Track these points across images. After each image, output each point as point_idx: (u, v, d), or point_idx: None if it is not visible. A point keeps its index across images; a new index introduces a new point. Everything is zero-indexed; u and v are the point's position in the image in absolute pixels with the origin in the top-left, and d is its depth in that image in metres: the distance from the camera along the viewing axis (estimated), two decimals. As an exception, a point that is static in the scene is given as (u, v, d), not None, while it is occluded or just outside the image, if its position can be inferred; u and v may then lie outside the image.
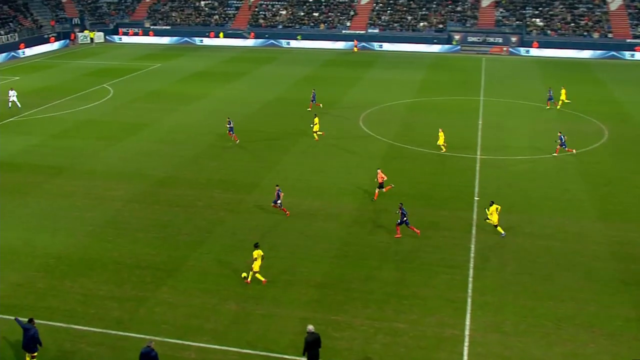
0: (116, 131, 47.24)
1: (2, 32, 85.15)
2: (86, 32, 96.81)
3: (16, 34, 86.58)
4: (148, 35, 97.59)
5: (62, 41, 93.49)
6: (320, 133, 45.37)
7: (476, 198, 34.65)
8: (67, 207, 33.31)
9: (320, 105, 52.68)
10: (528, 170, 39.27)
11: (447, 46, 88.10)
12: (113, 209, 33.01)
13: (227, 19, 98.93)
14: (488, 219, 30.33)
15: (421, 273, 26.84)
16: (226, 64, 78.13)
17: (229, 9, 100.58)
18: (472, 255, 28.39)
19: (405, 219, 29.64)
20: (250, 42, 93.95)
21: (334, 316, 23.78)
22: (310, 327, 20.63)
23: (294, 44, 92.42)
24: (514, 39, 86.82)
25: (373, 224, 31.46)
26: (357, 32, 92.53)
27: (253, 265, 25.69)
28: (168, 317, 23.57)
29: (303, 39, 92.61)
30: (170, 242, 29.29)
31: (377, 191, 34.30)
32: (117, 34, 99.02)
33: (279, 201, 32.12)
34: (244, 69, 73.76)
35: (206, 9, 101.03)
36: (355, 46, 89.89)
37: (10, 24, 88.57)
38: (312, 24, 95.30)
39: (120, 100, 57.79)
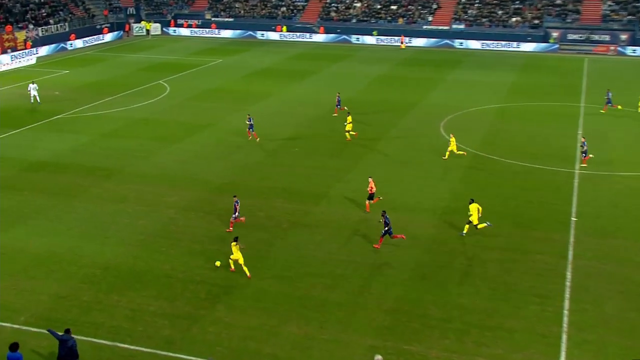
0: (172, 132, 48.52)
1: (52, 22, 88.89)
2: (142, 23, 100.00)
3: (66, 24, 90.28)
4: (209, 27, 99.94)
5: (115, 32, 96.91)
6: (353, 134, 46.60)
7: (573, 218, 33.82)
8: (117, 213, 34.39)
9: (345, 108, 52.79)
10: (637, 188, 38.05)
11: (543, 44, 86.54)
12: (166, 217, 33.87)
13: (295, 11, 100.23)
14: (476, 227, 31.75)
15: (508, 302, 26.36)
16: (293, 61, 79.16)
17: (297, 0, 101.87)
18: (568, 284, 27.69)
19: (387, 228, 30.14)
20: (320, 38, 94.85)
21: (407, 346, 23.64)
22: (379, 358, 20.57)
23: (368, 40, 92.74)
24: (623, 37, 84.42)
25: (454, 243, 31.16)
26: (440, 27, 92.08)
27: (237, 258, 27.78)
28: (223, 338, 23.97)
29: (379, 34, 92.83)
30: (228, 256, 29.73)
31: (367, 202, 34.63)
32: (175, 25, 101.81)
33: (236, 214, 32.18)
34: (312, 67, 74.55)
35: (273, 0, 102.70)
36: (402, 42, 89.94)
37: (61, 12, 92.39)
38: (389, 18, 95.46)
39: (177, 98, 59.35)
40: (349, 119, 46.83)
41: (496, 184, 38.68)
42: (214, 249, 30.45)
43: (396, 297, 26.58)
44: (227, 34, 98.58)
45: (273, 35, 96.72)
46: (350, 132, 46.54)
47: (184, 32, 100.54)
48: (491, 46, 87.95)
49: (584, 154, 41.52)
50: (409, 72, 72.12)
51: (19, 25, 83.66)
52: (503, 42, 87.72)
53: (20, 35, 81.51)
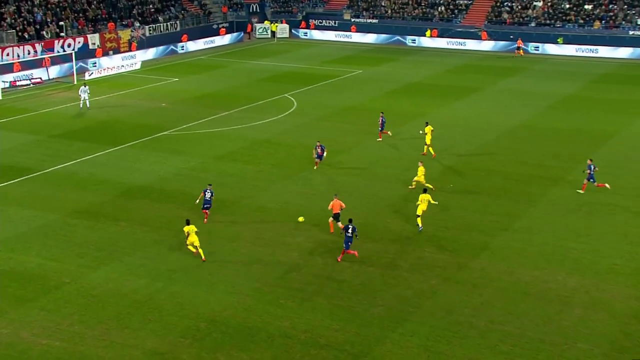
0: (298, 157, 49.47)
1: (161, 19, 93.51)
2: (266, 24, 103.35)
3: (178, 22, 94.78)
4: (348, 30, 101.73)
5: (235, 34, 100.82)
6: (432, 153, 49.46)
7: None
8: (229, 254, 35.39)
9: (389, 133, 53.56)
10: None
11: None
12: (288, 262, 34.53)
13: (456, 12, 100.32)
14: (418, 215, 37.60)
15: None
16: (452, 75, 79.30)
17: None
18: None
19: (349, 234, 34.22)
20: (486, 45, 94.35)
21: None
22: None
23: (551, 49, 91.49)
24: None
25: (661, 320, 29.87)
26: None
27: (193, 241, 34.02)
28: (351, 420, 24.06)
29: (565, 42, 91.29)
30: (361, 315, 29.92)
31: (330, 221, 37.66)
32: (306, 27, 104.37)
33: (207, 205, 39.06)
34: (476, 83, 74.37)
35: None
36: (518, 48, 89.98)
37: (172, 8, 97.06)
38: (581, 21, 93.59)
39: (305, 116, 60.64)
40: (429, 129, 49.56)
41: None
42: (344, 304, 30.68)
43: (579, 385, 25.73)
44: (369, 38, 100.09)
45: (427, 42, 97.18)
46: (429, 147, 49.56)
47: (317, 35, 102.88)
48: None
49: (591, 180, 42.78)
50: (605, 93, 70.39)
51: (123, 23, 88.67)
52: None
53: (125, 35, 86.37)
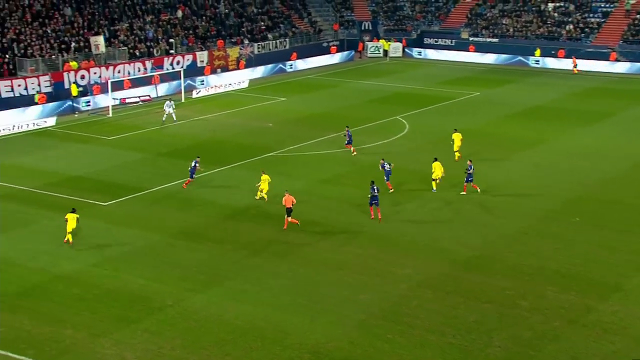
0: (406, 182, 49.21)
1: (270, 37, 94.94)
2: (379, 42, 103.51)
3: (287, 40, 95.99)
4: (465, 50, 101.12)
5: (345, 52, 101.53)
6: (458, 154, 53.53)
7: None
8: (334, 282, 35.37)
9: (354, 153, 55.73)
10: None
11: None
12: (396, 294, 34.27)
13: (586, 30, 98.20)
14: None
15: None
16: (579, 98, 77.75)
17: (592, 15, 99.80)
18: None
19: (375, 194, 41.93)
20: (620, 67, 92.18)
21: None
22: None
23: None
24: None
25: None
26: None
27: (73, 227, 38.80)
28: None
29: None
30: (475, 356, 29.39)
31: (286, 219, 41.30)
32: (421, 46, 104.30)
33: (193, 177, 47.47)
34: (607, 107, 72.77)
35: (555, 14, 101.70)
36: (575, 65, 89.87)
37: (282, 25, 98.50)
38: None
39: (418, 139, 60.45)
40: (455, 136, 54.21)
41: None
42: (457, 343, 30.18)
43: None
44: (488, 58, 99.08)
45: (553, 63, 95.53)
46: (457, 153, 53.65)
47: (432, 54, 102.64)
48: None
49: (470, 180, 46.54)
50: None
51: (232, 41, 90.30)
52: None
53: (233, 53, 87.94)
